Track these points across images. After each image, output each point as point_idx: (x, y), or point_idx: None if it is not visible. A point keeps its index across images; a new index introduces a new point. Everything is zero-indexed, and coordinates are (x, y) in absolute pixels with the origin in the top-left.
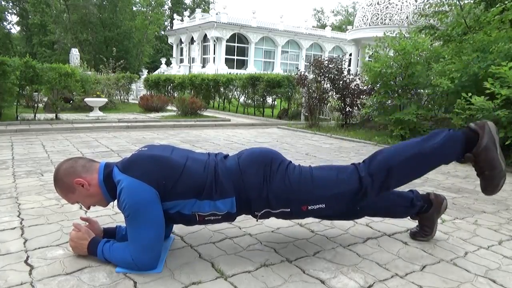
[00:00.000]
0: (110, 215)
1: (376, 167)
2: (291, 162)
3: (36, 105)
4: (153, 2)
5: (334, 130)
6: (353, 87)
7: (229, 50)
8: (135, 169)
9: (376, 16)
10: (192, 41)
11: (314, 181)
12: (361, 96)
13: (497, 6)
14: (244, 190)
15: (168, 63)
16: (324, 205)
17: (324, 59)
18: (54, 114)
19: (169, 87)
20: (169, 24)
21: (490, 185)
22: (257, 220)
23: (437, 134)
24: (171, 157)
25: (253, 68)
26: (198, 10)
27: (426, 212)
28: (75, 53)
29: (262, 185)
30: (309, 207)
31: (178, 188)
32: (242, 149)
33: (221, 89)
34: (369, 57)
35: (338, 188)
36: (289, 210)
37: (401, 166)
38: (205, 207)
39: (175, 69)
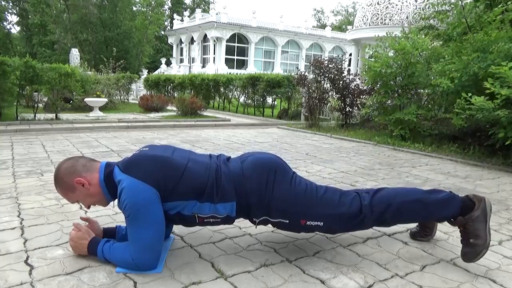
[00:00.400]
0: (110, 215)
1: (378, 200)
2: (295, 172)
3: (36, 105)
4: (153, 2)
5: (334, 130)
6: (353, 87)
7: (229, 50)
8: (136, 169)
9: (376, 16)
10: (192, 41)
11: (318, 198)
12: (361, 96)
13: (499, 6)
14: (245, 196)
15: (168, 63)
16: (322, 223)
17: (324, 59)
18: (54, 114)
19: (169, 87)
20: (169, 24)
21: (471, 252)
22: (256, 227)
23: (440, 190)
24: (173, 157)
25: (253, 68)
26: (198, 10)
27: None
28: (75, 53)
29: (264, 192)
30: (308, 222)
31: (179, 189)
32: (242, 149)
33: (221, 89)
34: (369, 57)
35: (339, 210)
36: (287, 221)
37: (401, 206)
38: (205, 209)
39: (175, 69)
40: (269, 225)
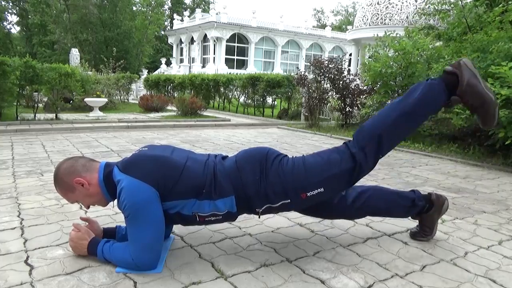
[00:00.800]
0: (110, 215)
1: (366, 139)
2: (286, 155)
3: (36, 105)
4: (153, 2)
5: (334, 130)
6: (353, 87)
7: (229, 50)
8: (135, 169)
9: (376, 16)
10: (192, 41)
11: (307, 167)
12: (361, 96)
13: (499, 6)
14: (242, 188)
15: (168, 63)
16: (323, 189)
17: (324, 59)
18: (54, 114)
19: (169, 87)
20: (169, 24)
21: (486, 117)
22: (259, 217)
23: (415, 88)
24: (171, 157)
25: (253, 68)
26: (198, 10)
27: (427, 212)
28: (75, 53)
29: (259, 181)
30: (308, 194)
31: (178, 188)
32: (242, 149)
33: (221, 89)
34: (369, 57)
35: (333, 169)
36: (289, 200)
37: (390, 130)
38: (205, 207)
39: (175, 69)
40: (273, 215)
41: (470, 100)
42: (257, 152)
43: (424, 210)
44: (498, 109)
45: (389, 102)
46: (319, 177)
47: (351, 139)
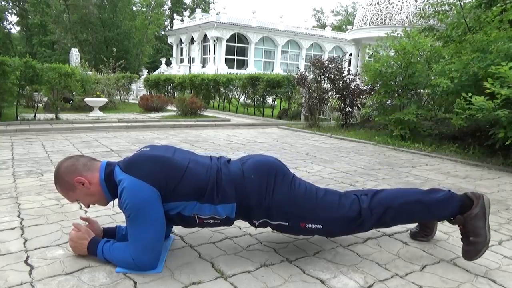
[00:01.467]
0: (110, 215)
1: (377, 203)
2: (294, 175)
3: (36, 105)
4: (153, 2)
5: (334, 130)
6: (353, 87)
7: (229, 50)
8: (137, 169)
9: (376, 16)
10: (192, 41)
11: (318, 200)
12: (361, 96)
13: (497, 6)
14: (245, 197)
15: (168, 63)
16: (321, 226)
17: (324, 59)
18: (54, 114)
19: (169, 87)
20: (169, 24)
21: (472, 250)
22: (255, 229)
23: (438, 190)
24: (174, 158)
25: (253, 68)
26: (198, 10)
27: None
28: (75, 53)
29: (264, 194)
30: (307, 225)
31: (180, 189)
32: (242, 149)
33: (221, 89)
34: (369, 57)
35: (338, 213)
36: (287, 224)
37: (400, 208)
38: (205, 210)
39: (175, 69)
40: (268, 227)
41: (469, 228)
42: (267, 164)
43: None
44: (485, 250)
45: (389, 102)
46: (324, 214)
47: (362, 194)
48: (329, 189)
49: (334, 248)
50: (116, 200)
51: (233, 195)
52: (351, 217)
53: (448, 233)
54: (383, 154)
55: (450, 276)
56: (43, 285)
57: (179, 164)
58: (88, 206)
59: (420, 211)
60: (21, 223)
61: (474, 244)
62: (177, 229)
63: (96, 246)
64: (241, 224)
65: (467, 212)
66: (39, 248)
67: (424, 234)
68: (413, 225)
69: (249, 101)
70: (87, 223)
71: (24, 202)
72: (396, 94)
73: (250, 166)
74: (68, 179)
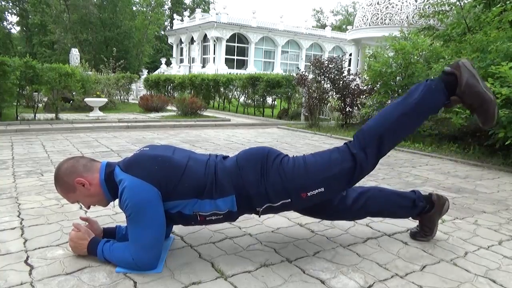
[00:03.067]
0: (110, 215)
1: (367, 139)
2: (286, 155)
3: (36, 105)
4: (153, 2)
5: (334, 130)
6: (353, 87)
7: (229, 50)
8: (137, 168)
9: (376, 16)
10: (192, 41)
11: (308, 166)
12: (361, 96)
13: (497, 6)
14: (243, 187)
15: (168, 63)
16: (323, 189)
17: (324, 59)
18: (54, 114)
19: (169, 87)
20: (169, 24)
21: (486, 117)
22: (259, 216)
23: (415, 89)
24: (173, 157)
25: (253, 68)
26: (198, 10)
27: (427, 212)
28: (75, 53)
29: (260, 181)
30: (309, 193)
31: (180, 188)
32: (242, 149)
33: (221, 89)
34: (369, 58)
35: (333, 169)
36: (289, 200)
37: (391, 130)
38: (205, 206)
39: (175, 69)
40: (273, 215)
41: (469, 100)
42: (257, 151)
43: (424, 210)
44: (497, 109)
45: (389, 102)
46: (319, 176)
47: (352, 139)
48: (319, 151)
49: (334, 248)
50: (117, 201)
51: (230, 187)
52: (347, 167)
53: (448, 233)
54: None
55: (450, 276)
56: (43, 285)
57: (178, 163)
58: (88, 207)
59: (411, 120)
60: (21, 223)
61: (484, 110)
62: (177, 229)
63: (96, 246)
64: (241, 224)
65: (457, 88)
66: (39, 248)
67: (424, 234)
68: (413, 225)
69: (249, 101)
70: (87, 223)
71: (24, 202)
72: (396, 94)
73: (242, 157)
74: (68, 180)
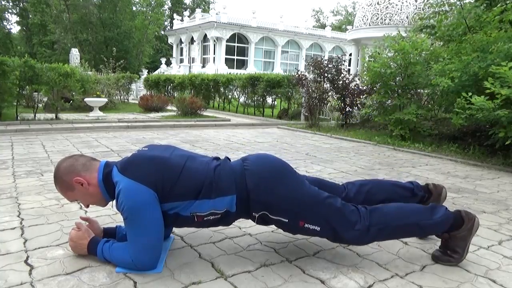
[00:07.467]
0: (110, 215)
1: (376, 220)
2: (302, 175)
3: (36, 105)
4: (153, 2)
5: (334, 130)
6: (352, 87)
7: (229, 50)
8: (133, 170)
9: (376, 16)
10: (192, 41)
11: (321, 202)
12: (361, 96)
13: (498, 6)
14: (246, 190)
15: (168, 63)
16: (319, 228)
17: (323, 59)
18: (54, 114)
19: (169, 87)
20: (169, 24)
21: (444, 259)
22: (255, 222)
23: (437, 209)
24: (170, 158)
25: (253, 68)
26: (198, 10)
27: (426, 201)
28: (75, 53)
29: (267, 189)
30: (306, 225)
31: (177, 189)
32: (242, 149)
33: (221, 89)
34: (369, 58)
35: (337, 218)
36: (286, 220)
37: (397, 228)
38: (203, 206)
39: (175, 69)
40: (267, 224)
41: (451, 244)
42: (273, 161)
43: (423, 199)
44: (455, 264)
45: (389, 102)
46: (324, 216)
47: (363, 207)
48: (331, 195)
49: (334, 248)
50: (115, 202)
51: (232, 187)
52: (347, 226)
53: None
54: (383, 154)
55: (450, 276)
56: (43, 285)
57: (176, 163)
58: (87, 206)
59: (415, 231)
60: (21, 223)
61: (449, 258)
62: (177, 229)
63: (96, 246)
64: (241, 224)
65: (454, 232)
66: (39, 248)
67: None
68: None
69: (249, 101)
70: (87, 223)
71: (24, 202)
72: (396, 94)
73: (254, 161)
74: (67, 179)
